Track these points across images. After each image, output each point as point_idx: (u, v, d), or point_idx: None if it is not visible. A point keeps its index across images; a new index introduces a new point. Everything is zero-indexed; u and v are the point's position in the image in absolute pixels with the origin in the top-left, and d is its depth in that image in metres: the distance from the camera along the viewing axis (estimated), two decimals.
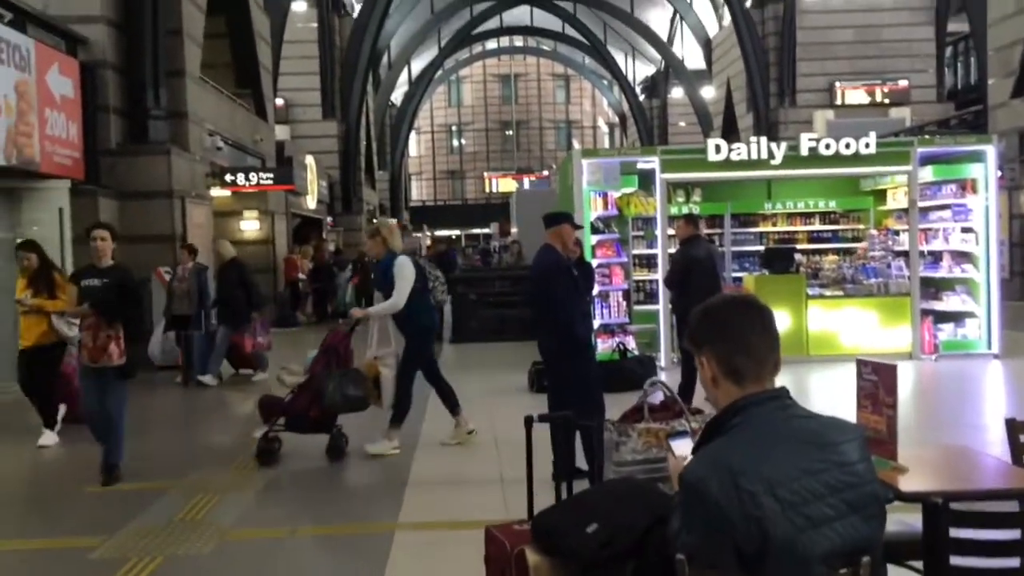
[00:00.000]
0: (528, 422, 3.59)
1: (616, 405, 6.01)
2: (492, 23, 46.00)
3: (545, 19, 46.41)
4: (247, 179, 14.95)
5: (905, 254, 11.32)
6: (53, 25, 10.61)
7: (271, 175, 15.42)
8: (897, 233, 11.82)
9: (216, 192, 14.75)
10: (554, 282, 6.02)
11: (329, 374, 6.69)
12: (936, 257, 11.63)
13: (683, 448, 2.39)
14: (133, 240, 11.60)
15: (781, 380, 2.01)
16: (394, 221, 7.66)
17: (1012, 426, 3.30)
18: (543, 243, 6.26)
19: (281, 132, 23.47)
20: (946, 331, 11.10)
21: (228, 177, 14.68)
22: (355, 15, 30.08)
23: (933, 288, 11.44)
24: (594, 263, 9.52)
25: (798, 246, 12.47)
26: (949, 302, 11.27)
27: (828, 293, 11.24)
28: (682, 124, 43.84)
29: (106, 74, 11.36)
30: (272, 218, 17.56)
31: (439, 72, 48.81)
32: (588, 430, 4.78)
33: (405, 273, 6.85)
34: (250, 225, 17.27)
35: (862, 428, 2.32)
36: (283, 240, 18.51)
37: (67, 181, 10.35)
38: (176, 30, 12.52)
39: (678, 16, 39.97)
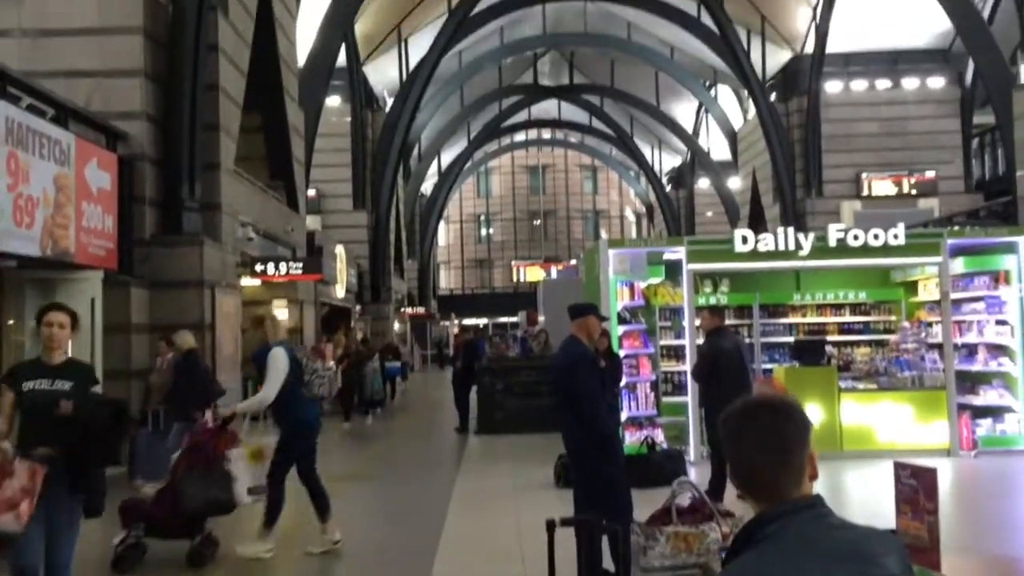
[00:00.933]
0: (550, 527, 3.47)
1: (645, 502, 5.85)
2: (521, 116, 47.05)
3: (572, 112, 47.40)
4: (277, 269, 15.12)
5: (939, 347, 11.09)
6: (94, 121, 10.96)
7: (300, 265, 15.60)
8: (930, 325, 11.62)
9: (246, 281, 14.93)
10: (579, 374, 5.93)
11: (190, 475, 6.29)
12: (971, 350, 11.39)
13: None
14: (163, 329, 11.72)
15: None
16: (282, 313, 7.33)
17: None
18: (569, 334, 6.21)
19: (312, 222, 23.88)
20: (984, 426, 10.78)
21: (258, 267, 14.87)
22: (387, 109, 30.93)
23: (969, 382, 11.17)
24: (621, 354, 9.43)
25: (829, 338, 12.28)
26: (986, 396, 10.98)
27: (861, 386, 11.00)
28: (709, 214, 44.10)
29: (143, 167, 11.67)
30: (301, 307, 17.69)
31: (468, 163, 49.76)
32: (615, 533, 4.63)
33: (278, 365, 6.63)
34: (279, 314, 17.38)
35: (901, 538, 2.20)
36: (311, 329, 18.60)
37: (100, 272, 10.53)
38: (213, 125, 12.89)
39: (703, 109, 40.65)
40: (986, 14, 23.94)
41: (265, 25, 15.86)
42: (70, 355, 4.69)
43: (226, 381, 12.89)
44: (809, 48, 29.05)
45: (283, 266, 15.20)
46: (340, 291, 22.97)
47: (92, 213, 10.22)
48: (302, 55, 20.15)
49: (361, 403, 19.14)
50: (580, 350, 6.06)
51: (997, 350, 11.08)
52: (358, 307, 27.35)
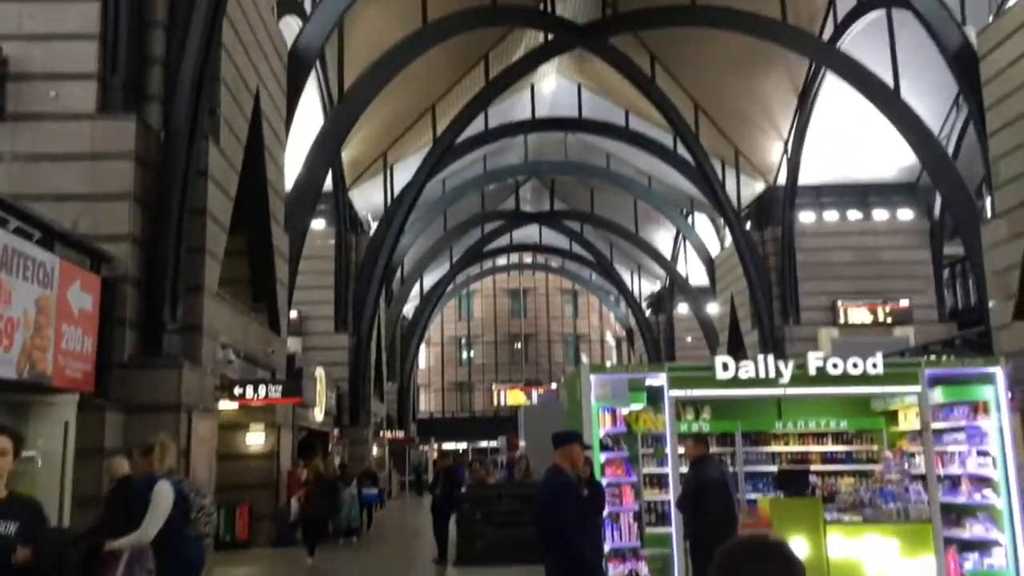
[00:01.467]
0: None
1: None
2: (502, 240, 47.88)
3: (553, 237, 48.30)
4: (256, 392, 14.96)
5: (922, 478, 11.02)
6: (80, 244, 11.03)
7: (280, 387, 15.45)
8: (912, 455, 11.58)
9: (224, 404, 14.73)
10: (562, 504, 5.86)
11: None
12: (954, 481, 11.32)
13: None
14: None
15: None
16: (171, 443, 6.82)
17: None
18: (552, 463, 6.15)
19: (293, 344, 23.80)
20: (972, 561, 10.60)
21: (237, 390, 14.71)
22: (371, 232, 31.40)
23: (954, 514, 11.04)
24: (604, 482, 9.29)
25: (812, 467, 12.18)
26: (972, 530, 10.83)
27: (847, 518, 10.83)
28: (688, 339, 44.45)
29: (126, 288, 11.68)
30: (278, 431, 17.42)
31: (451, 286, 50.22)
32: None
33: (160, 501, 6.24)
34: (256, 439, 17.10)
35: None
36: (287, 453, 18.26)
37: (76, 395, 10.37)
38: (198, 248, 13.00)
39: (681, 236, 41.56)
40: (951, 149, 24.96)
41: (254, 152, 16.25)
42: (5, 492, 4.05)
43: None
44: (782, 180, 30.05)
45: (262, 389, 15.04)
46: (319, 414, 22.67)
47: (72, 335, 10.16)
48: (290, 180, 20.58)
49: (336, 532, 18.61)
50: (563, 480, 6.00)
51: (980, 482, 11.01)
52: (336, 431, 26.93)
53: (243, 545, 16.04)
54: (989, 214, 20.09)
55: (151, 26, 12.52)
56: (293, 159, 21.02)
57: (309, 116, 23.33)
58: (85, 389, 10.57)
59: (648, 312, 50.06)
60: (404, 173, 30.82)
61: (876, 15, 23.72)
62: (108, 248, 11.51)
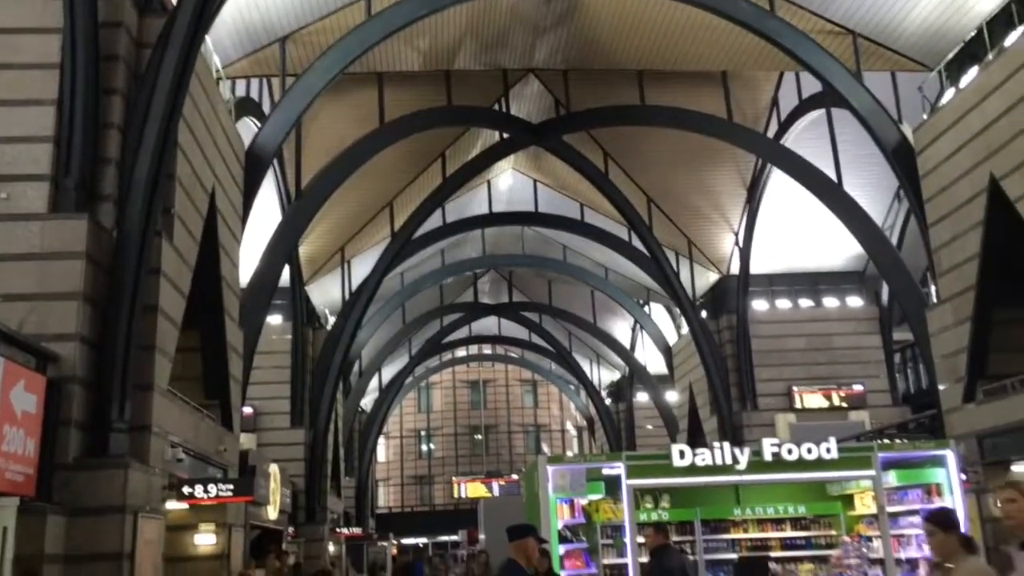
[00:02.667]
0: None
1: None
2: (461, 332, 47.87)
3: (512, 328, 48.44)
4: (206, 491, 14.52)
5: (881, 562, 11.04)
6: (26, 344, 10.84)
7: (231, 486, 15.02)
8: (870, 539, 11.62)
9: (172, 505, 14.29)
10: None
11: None
12: (912, 564, 11.35)
13: None
14: (79, 560, 11.03)
15: None
16: None
17: None
18: (507, 557, 6.08)
19: (247, 440, 23.30)
20: None
21: (186, 489, 14.27)
22: (329, 327, 31.24)
23: None
24: (563, 575, 9.17)
25: (772, 553, 12.14)
26: None
27: None
28: (649, 427, 44.40)
29: (73, 388, 11.43)
30: (229, 531, 16.86)
31: (409, 378, 49.84)
32: None
33: None
34: (205, 539, 16.53)
35: None
36: (239, 553, 17.65)
37: (16, 499, 10.03)
38: (149, 345, 12.80)
39: (638, 325, 41.95)
40: (895, 239, 25.77)
41: (209, 249, 16.22)
42: None
43: None
44: (735, 269, 30.68)
45: (212, 488, 14.61)
46: (273, 512, 22.04)
47: (14, 437, 9.88)
48: (246, 276, 20.53)
49: None
50: (519, 574, 5.92)
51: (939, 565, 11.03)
52: (291, 528, 26.18)
53: None
54: (935, 300, 20.65)
55: (106, 127, 12.61)
56: (250, 255, 21.02)
57: (266, 212, 23.45)
58: (26, 493, 10.23)
59: (608, 401, 50.03)
60: (362, 268, 30.93)
61: (817, 114, 24.78)
62: (55, 348, 11.31)
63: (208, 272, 16.26)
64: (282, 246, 22.44)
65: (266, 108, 21.64)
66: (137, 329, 12.14)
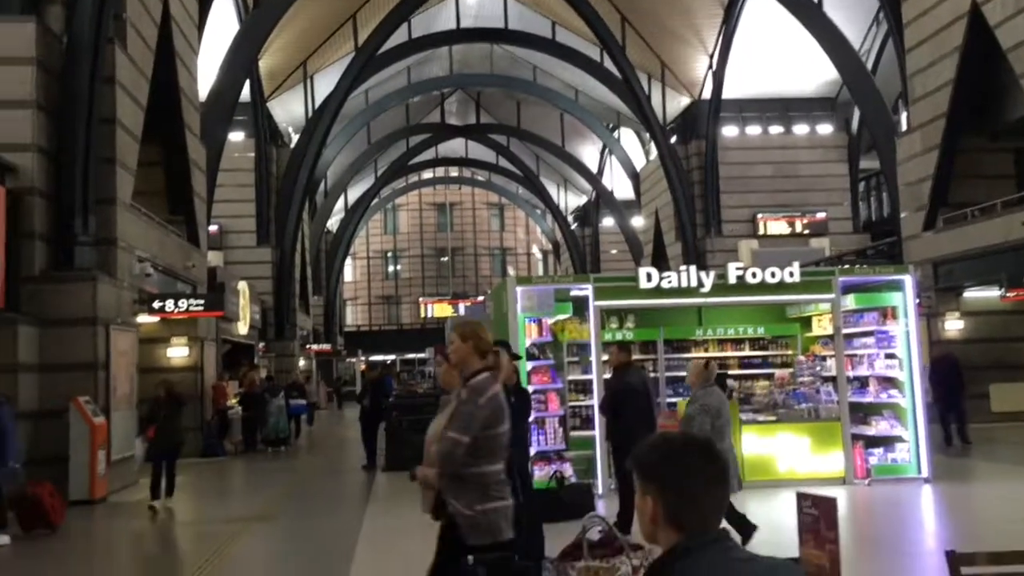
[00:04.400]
0: (464, 569, 3.45)
1: (555, 536, 5.86)
2: (428, 154, 47.19)
3: (479, 151, 47.83)
4: (176, 305, 14.65)
5: (833, 379, 11.55)
6: None
7: (201, 301, 15.15)
8: (824, 359, 12.09)
9: (143, 319, 14.41)
10: None
11: None
12: (863, 383, 11.88)
13: None
14: (53, 368, 11.18)
15: None
16: None
17: (952, 559, 3.28)
18: None
19: (215, 258, 23.29)
20: (877, 456, 11.23)
21: (156, 304, 14.37)
22: (292, 145, 30.57)
23: (862, 413, 11.63)
24: (530, 389, 9.48)
25: (730, 371, 12.62)
26: (878, 427, 11.45)
27: (761, 418, 11.33)
28: (614, 252, 44.98)
29: (33, 201, 11.20)
30: (202, 344, 17.17)
31: (375, 200, 49.52)
32: (527, 571, 4.61)
33: None
34: (178, 352, 16.83)
35: (804, 568, 2.27)
36: (212, 367, 18.06)
37: None
38: (109, 158, 12.47)
39: (607, 150, 41.62)
40: (870, 64, 25.36)
41: (166, 59, 15.52)
42: None
43: (122, 420, 12.39)
44: (707, 94, 30.18)
45: (183, 303, 14.73)
46: (243, 328, 22.39)
47: None
48: (204, 90, 19.77)
49: (263, 441, 18.82)
50: None
51: (887, 382, 11.59)
52: (262, 344, 26.71)
53: None
54: (904, 128, 20.61)
55: None
56: (208, 68, 20.16)
57: (223, 23, 22.31)
58: None
59: (574, 225, 50.36)
60: (325, 84, 29.91)
61: None
62: (11, 158, 10.96)
63: (166, 83, 15.63)
64: (241, 58, 21.54)
65: None
66: (95, 141, 11.76)
